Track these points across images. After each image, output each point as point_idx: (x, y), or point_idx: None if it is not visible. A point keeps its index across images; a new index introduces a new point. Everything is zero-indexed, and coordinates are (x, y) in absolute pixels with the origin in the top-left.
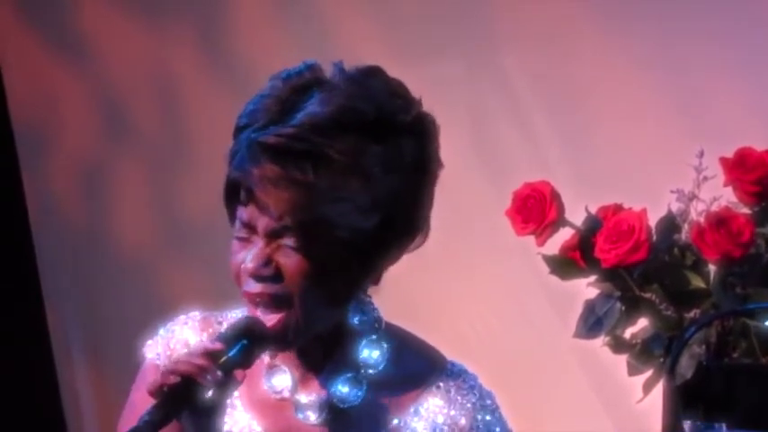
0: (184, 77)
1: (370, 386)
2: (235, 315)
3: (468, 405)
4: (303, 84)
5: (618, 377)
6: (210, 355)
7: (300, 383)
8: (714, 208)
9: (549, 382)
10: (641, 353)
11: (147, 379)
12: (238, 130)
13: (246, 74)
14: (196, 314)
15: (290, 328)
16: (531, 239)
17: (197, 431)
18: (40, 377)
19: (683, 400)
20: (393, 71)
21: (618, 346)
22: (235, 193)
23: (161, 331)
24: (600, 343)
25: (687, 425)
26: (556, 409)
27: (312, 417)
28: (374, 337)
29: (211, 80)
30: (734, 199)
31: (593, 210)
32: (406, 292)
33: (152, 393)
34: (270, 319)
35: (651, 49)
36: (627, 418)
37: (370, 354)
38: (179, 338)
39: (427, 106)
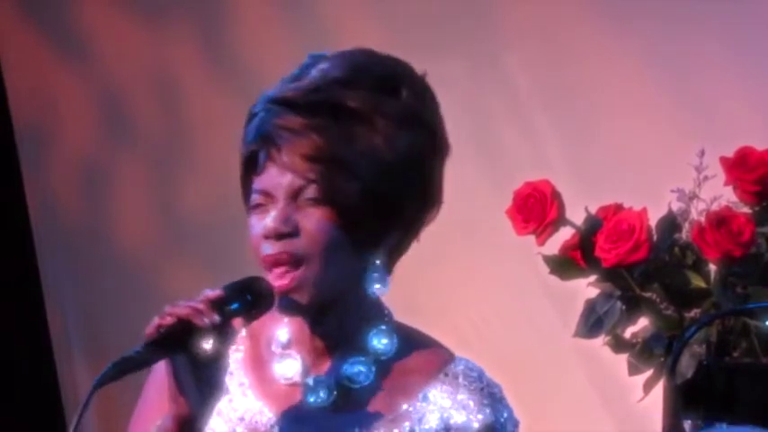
0: (185, 77)
1: (380, 371)
2: (248, 327)
3: (476, 390)
4: (311, 60)
5: (618, 376)
6: (210, 301)
7: (311, 367)
8: (715, 207)
9: (550, 382)
10: (642, 352)
11: (160, 371)
12: (252, 112)
13: (247, 74)
14: None
15: (305, 285)
16: (532, 239)
17: (198, 385)
18: (40, 377)
19: (684, 400)
20: None
21: (618, 345)
22: (252, 165)
23: None
24: (600, 342)
25: (687, 424)
26: (556, 409)
27: (322, 397)
28: (383, 327)
29: (212, 79)
30: (734, 198)
31: (594, 209)
32: (407, 291)
33: (149, 334)
34: (283, 278)
35: (652, 48)
36: (627, 417)
37: (380, 341)
38: None
39: None
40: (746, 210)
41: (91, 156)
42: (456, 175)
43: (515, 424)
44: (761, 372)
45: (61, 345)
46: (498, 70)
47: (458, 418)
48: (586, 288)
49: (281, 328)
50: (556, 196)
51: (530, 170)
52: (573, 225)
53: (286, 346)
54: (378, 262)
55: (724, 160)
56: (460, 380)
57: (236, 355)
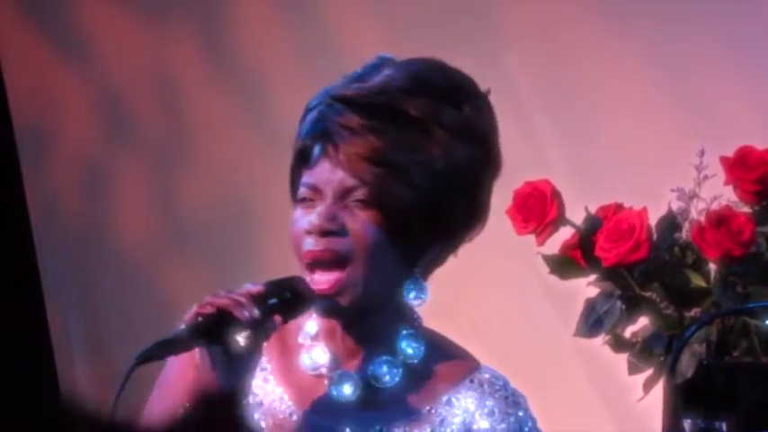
0: (185, 77)
1: (406, 374)
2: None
3: (501, 399)
4: (378, 61)
5: (618, 376)
6: (251, 296)
7: (339, 361)
8: (715, 207)
9: (550, 381)
10: (642, 352)
11: (175, 364)
12: (309, 106)
13: (247, 74)
14: None
15: (347, 288)
16: (532, 238)
17: (227, 377)
18: (41, 377)
19: (684, 399)
20: None
21: (618, 344)
22: (304, 158)
23: None
24: (600, 342)
25: (687, 424)
26: (556, 408)
27: (347, 392)
28: (413, 331)
29: (212, 79)
30: (734, 198)
31: (594, 209)
32: None
33: (188, 321)
34: (324, 281)
35: (652, 48)
36: (627, 416)
37: (410, 345)
38: None
39: None
40: (746, 209)
41: (91, 156)
42: None
43: None
44: (761, 371)
45: (61, 345)
46: (498, 70)
47: (481, 424)
48: (586, 287)
49: (310, 321)
50: (556, 196)
51: (530, 170)
52: (573, 225)
53: (314, 338)
54: (418, 271)
55: (724, 160)
56: (486, 387)
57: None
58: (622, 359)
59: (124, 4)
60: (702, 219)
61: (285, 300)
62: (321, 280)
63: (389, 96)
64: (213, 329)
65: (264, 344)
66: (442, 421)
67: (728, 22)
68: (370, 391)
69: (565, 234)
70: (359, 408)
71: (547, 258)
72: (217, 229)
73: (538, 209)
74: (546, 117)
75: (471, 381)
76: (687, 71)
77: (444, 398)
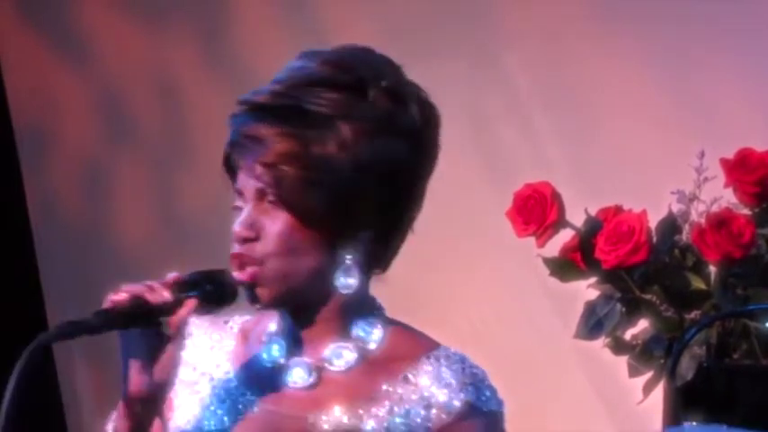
0: (185, 77)
1: (363, 358)
2: (245, 318)
3: (458, 371)
4: (294, 60)
5: (618, 378)
6: (168, 282)
7: (293, 351)
8: (715, 209)
9: (550, 384)
10: (642, 354)
11: None
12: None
13: (247, 74)
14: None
15: (264, 281)
16: (532, 241)
17: (148, 368)
18: (40, 377)
19: (684, 402)
20: None
21: (618, 347)
22: (230, 167)
23: None
24: (600, 344)
25: (688, 426)
26: (556, 411)
27: (301, 379)
28: (371, 318)
29: (212, 80)
30: (734, 200)
31: (594, 211)
32: (406, 292)
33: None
34: (243, 274)
35: (652, 49)
36: (627, 419)
37: (362, 329)
38: (192, 334)
39: None
40: (746, 211)
41: (91, 156)
42: (456, 177)
43: (499, 404)
44: (761, 374)
45: (61, 345)
46: (498, 71)
47: (439, 396)
48: (586, 290)
49: (272, 321)
50: (556, 198)
51: (530, 171)
52: (573, 227)
53: (273, 334)
54: (348, 258)
55: (724, 162)
56: (442, 361)
57: (227, 348)
58: (622, 362)
59: (124, 4)
60: (702, 221)
61: (204, 290)
62: (240, 273)
63: (294, 96)
64: (126, 315)
65: (230, 350)
66: (400, 398)
67: (728, 23)
68: (327, 375)
69: (565, 236)
70: (316, 393)
71: (547, 261)
72: (217, 229)
73: (538, 211)
74: (546, 118)
75: (428, 357)
76: (687, 72)
77: (401, 375)
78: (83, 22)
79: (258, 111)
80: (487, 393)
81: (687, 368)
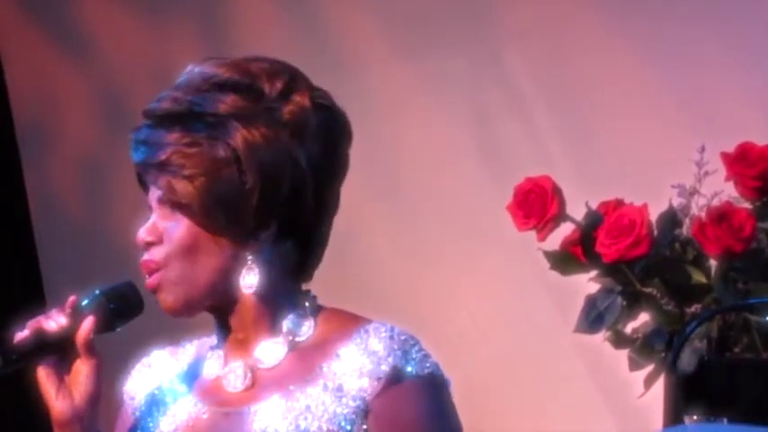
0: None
1: (296, 348)
2: (200, 342)
3: (386, 338)
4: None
5: (619, 372)
6: (63, 308)
7: (230, 359)
8: (715, 203)
9: (551, 377)
10: (642, 348)
11: (122, 416)
12: None
13: None
14: (160, 351)
15: (167, 285)
16: (533, 234)
17: (67, 392)
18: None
19: (685, 395)
20: (396, 68)
21: (619, 340)
22: (143, 182)
23: (132, 371)
24: (601, 338)
25: (688, 419)
26: (557, 404)
27: (237, 383)
28: (301, 311)
29: None
30: (735, 194)
31: (594, 205)
32: (407, 287)
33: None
34: (149, 281)
35: (653, 44)
36: (628, 412)
37: (295, 323)
38: (153, 363)
39: (430, 102)
40: (747, 205)
41: (92, 153)
42: (457, 171)
43: (432, 367)
44: (762, 367)
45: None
46: (500, 68)
47: (368, 365)
48: (587, 283)
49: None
50: (556, 192)
51: (530, 166)
52: (573, 220)
53: (215, 347)
54: (250, 258)
55: (725, 156)
56: (371, 332)
57: (183, 369)
58: (623, 355)
59: (125, 1)
60: (703, 215)
61: (105, 305)
62: (148, 279)
63: (189, 100)
64: (30, 351)
65: (183, 368)
66: (333, 374)
67: (729, 19)
68: (261, 373)
69: (565, 230)
70: (256, 390)
71: (547, 254)
72: None
73: (538, 205)
74: (547, 113)
75: (358, 332)
76: (688, 67)
77: (334, 353)
78: (84, 19)
79: (156, 119)
80: (417, 356)
81: (688, 362)
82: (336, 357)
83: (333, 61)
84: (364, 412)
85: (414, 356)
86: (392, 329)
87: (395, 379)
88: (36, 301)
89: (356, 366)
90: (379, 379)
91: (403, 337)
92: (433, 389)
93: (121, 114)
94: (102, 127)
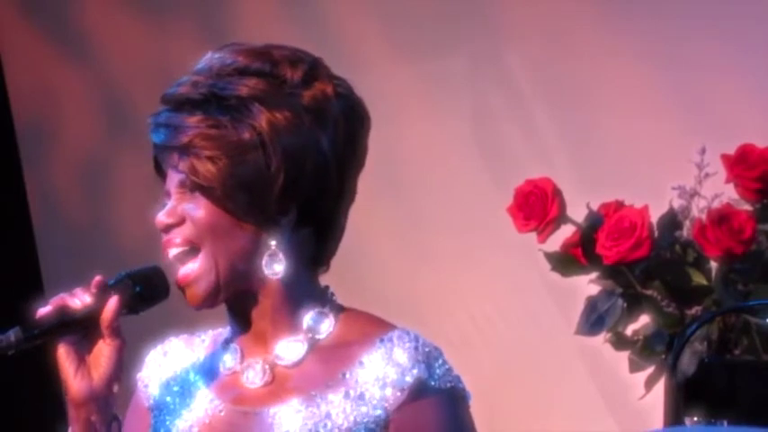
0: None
1: (316, 348)
2: (218, 332)
3: (410, 349)
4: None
5: (620, 374)
6: (88, 287)
7: (247, 354)
8: (716, 205)
9: (551, 379)
10: (643, 350)
11: (135, 403)
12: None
13: None
14: (177, 339)
15: (202, 275)
16: (533, 236)
17: (86, 371)
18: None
19: (685, 397)
20: (396, 67)
21: (619, 342)
22: (159, 169)
23: (147, 357)
24: (601, 340)
25: (689, 421)
26: (558, 406)
27: (256, 379)
28: (323, 309)
29: None
30: (735, 196)
31: (595, 206)
32: (408, 288)
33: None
34: (180, 274)
35: (653, 46)
36: (629, 414)
37: (316, 320)
38: (168, 352)
39: (430, 102)
40: (747, 207)
41: (92, 153)
42: (457, 172)
43: (455, 381)
44: (762, 369)
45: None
46: (500, 68)
47: (392, 375)
48: (587, 285)
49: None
50: (557, 193)
51: (531, 168)
52: (574, 222)
53: (231, 339)
54: (273, 243)
55: (725, 157)
56: (395, 341)
57: (198, 361)
58: (623, 357)
59: (125, 1)
60: (703, 217)
61: (130, 287)
62: (179, 273)
63: (211, 84)
64: (52, 325)
65: (199, 360)
66: (356, 382)
67: (729, 21)
68: (280, 371)
69: (566, 232)
70: (274, 388)
71: (548, 256)
72: None
73: (539, 207)
74: (547, 115)
75: (381, 340)
76: (688, 69)
77: (357, 360)
78: (84, 19)
79: (176, 103)
80: (440, 371)
81: (688, 363)
82: (360, 365)
83: (333, 61)
84: (385, 422)
85: (437, 369)
86: (417, 339)
87: (418, 391)
88: (36, 300)
89: (380, 376)
90: (402, 390)
91: (427, 349)
92: (455, 403)
93: (121, 114)
94: (102, 127)
